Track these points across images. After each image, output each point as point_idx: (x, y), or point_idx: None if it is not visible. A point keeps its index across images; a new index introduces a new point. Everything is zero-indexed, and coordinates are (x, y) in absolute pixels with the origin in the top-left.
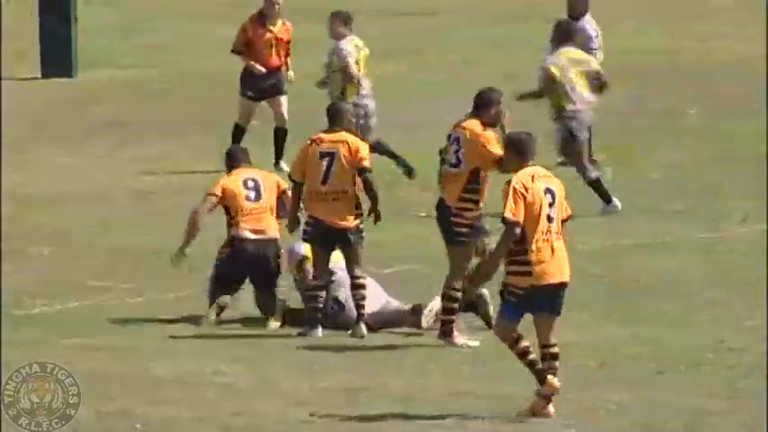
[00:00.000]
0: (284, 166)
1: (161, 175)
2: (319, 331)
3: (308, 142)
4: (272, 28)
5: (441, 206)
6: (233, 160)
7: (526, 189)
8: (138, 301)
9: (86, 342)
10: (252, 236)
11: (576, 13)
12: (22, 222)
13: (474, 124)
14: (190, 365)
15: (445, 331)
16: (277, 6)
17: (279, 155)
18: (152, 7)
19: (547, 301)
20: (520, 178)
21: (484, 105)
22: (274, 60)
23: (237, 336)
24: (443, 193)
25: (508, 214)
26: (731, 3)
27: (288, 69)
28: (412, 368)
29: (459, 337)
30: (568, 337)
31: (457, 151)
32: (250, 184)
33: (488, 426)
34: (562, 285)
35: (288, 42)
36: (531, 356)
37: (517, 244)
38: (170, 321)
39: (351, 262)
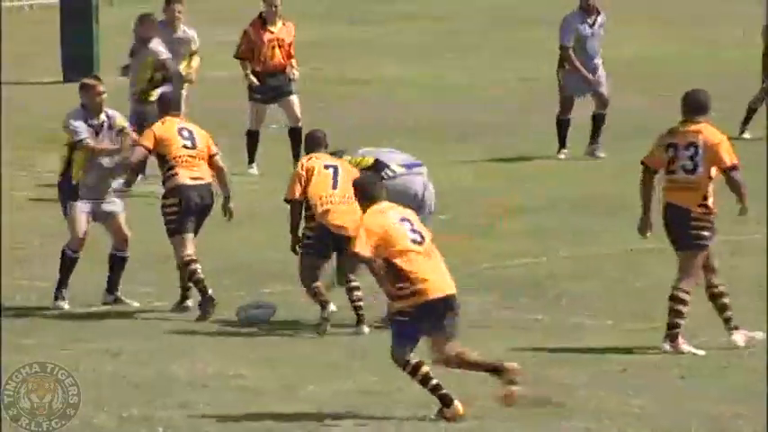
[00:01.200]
0: None
1: None
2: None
3: (303, 162)
4: (272, 29)
5: (676, 212)
6: (166, 107)
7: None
8: (159, 304)
9: (107, 346)
10: (192, 182)
11: None
12: (45, 226)
13: (710, 129)
14: (211, 368)
15: (671, 336)
16: (275, 8)
17: (298, 155)
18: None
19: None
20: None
21: (703, 108)
22: (278, 62)
23: (258, 338)
24: (677, 199)
25: None
26: None
27: (292, 68)
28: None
29: (684, 344)
30: (591, 342)
31: (693, 157)
32: (185, 133)
33: (509, 428)
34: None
35: (290, 43)
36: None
37: None
38: (189, 328)
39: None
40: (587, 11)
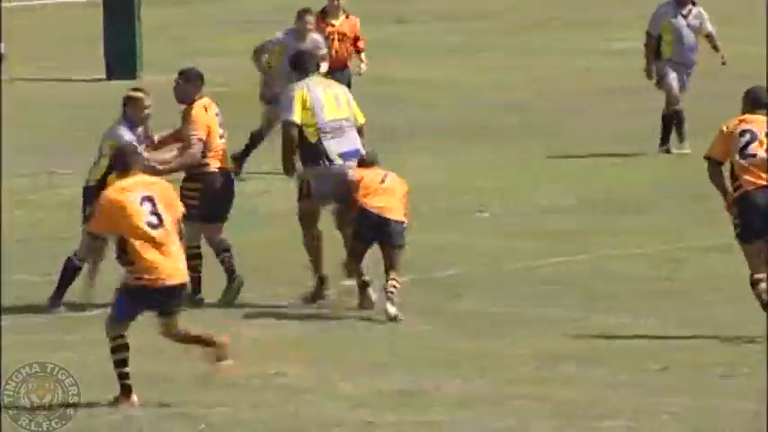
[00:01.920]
0: None
1: None
2: None
3: None
4: (334, 22)
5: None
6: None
7: None
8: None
9: (149, 343)
10: (219, 171)
11: None
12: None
13: None
14: (251, 367)
15: None
16: (337, 1)
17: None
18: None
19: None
20: None
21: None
22: (340, 56)
23: (297, 336)
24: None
25: None
26: None
27: (361, 62)
28: (468, 369)
29: None
30: (632, 341)
31: None
32: (219, 120)
33: (549, 428)
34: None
35: (355, 37)
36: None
37: None
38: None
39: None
40: (681, 2)
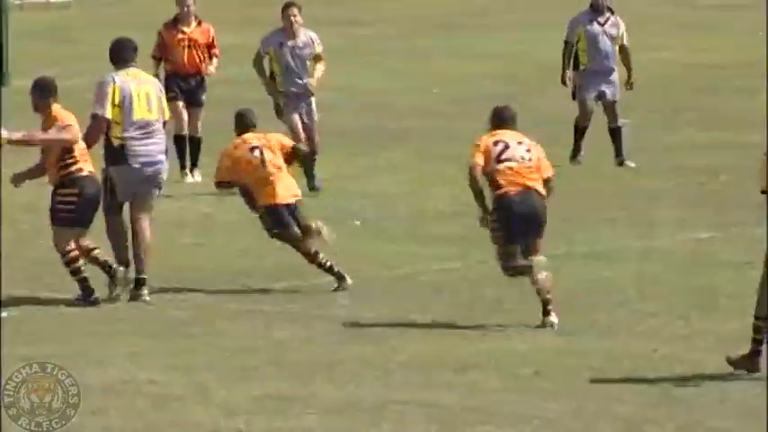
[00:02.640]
0: (197, 176)
1: None
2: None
3: None
4: (185, 29)
5: None
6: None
7: None
8: (71, 310)
9: (17, 352)
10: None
11: None
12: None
13: None
14: (121, 373)
15: None
16: (187, 8)
17: (193, 162)
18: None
19: None
20: None
21: None
22: (191, 63)
23: (171, 342)
24: None
25: None
26: None
27: (208, 67)
28: (343, 375)
29: None
30: (504, 345)
31: None
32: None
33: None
34: None
35: (207, 44)
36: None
37: None
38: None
39: None
40: (597, 9)
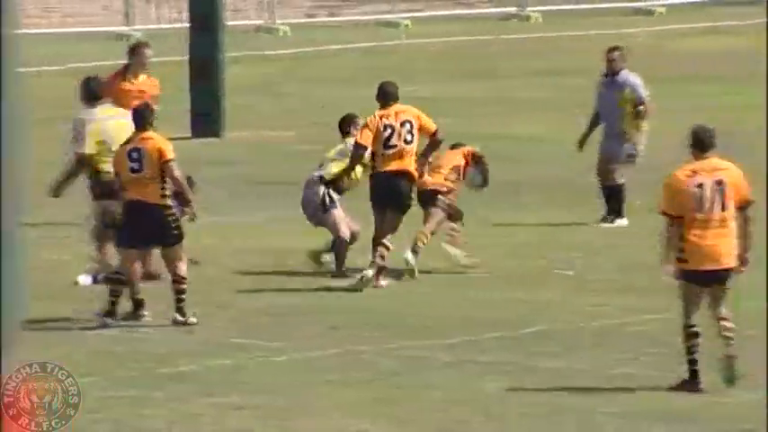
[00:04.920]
0: None
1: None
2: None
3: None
4: (134, 81)
5: None
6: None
7: None
8: (283, 359)
9: (229, 401)
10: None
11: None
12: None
13: None
14: (335, 423)
15: None
16: (145, 61)
17: None
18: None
19: None
20: None
21: None
22: None
23: (380, 391)
24: None
25: None
26: None
27: None
28: (554, 427)
29: None
30: (721, 399)
31: None
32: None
33: None
34: None
35: (155, 96)
36: None
37: None
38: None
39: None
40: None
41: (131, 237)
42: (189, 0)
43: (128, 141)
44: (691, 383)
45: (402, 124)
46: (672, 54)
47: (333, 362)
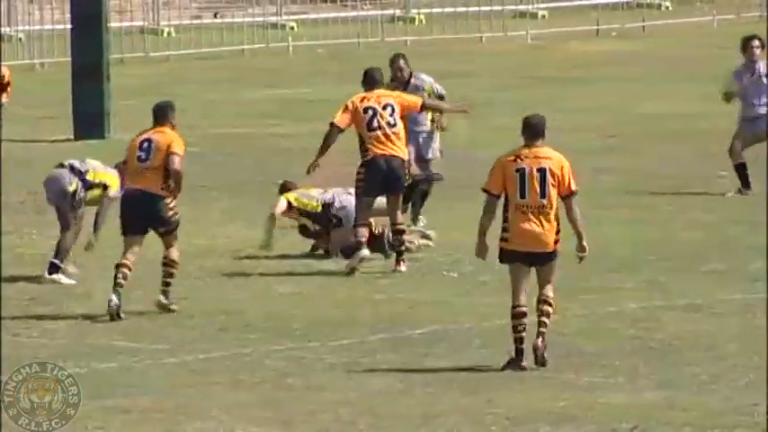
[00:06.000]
0: None
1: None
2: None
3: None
4: None
5: None
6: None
7: None
8: (170, 361)
9: (116, 403)
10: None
11: None
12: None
13: None
14: (223, 426)
15: None
16: None
17: None
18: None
19: None
20: None
21: None
22: None
23: (260, 392)
24: None
25: None
26: None
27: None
28: (440, 428)
29: None
30: (602, 399)
31: None
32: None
33: None
34: None
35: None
36: None
37: None
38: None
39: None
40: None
41: (132, 225)
42: (71, 1)
43: (143, 132)
44: (515, 362)
45: (384, 107)
46: (556, 56)
47: (220, 364)
